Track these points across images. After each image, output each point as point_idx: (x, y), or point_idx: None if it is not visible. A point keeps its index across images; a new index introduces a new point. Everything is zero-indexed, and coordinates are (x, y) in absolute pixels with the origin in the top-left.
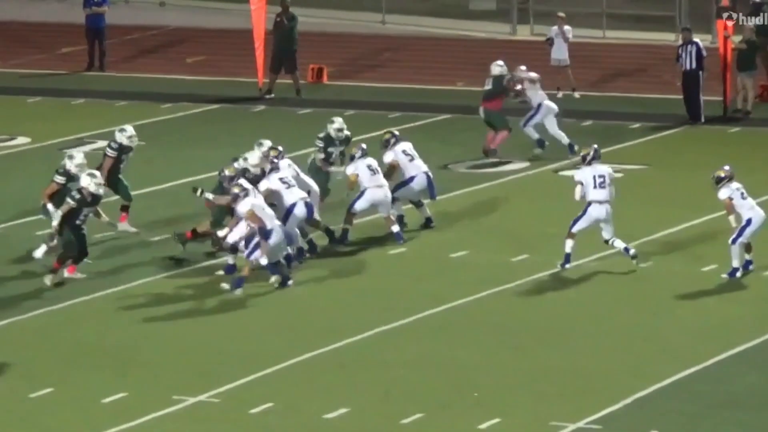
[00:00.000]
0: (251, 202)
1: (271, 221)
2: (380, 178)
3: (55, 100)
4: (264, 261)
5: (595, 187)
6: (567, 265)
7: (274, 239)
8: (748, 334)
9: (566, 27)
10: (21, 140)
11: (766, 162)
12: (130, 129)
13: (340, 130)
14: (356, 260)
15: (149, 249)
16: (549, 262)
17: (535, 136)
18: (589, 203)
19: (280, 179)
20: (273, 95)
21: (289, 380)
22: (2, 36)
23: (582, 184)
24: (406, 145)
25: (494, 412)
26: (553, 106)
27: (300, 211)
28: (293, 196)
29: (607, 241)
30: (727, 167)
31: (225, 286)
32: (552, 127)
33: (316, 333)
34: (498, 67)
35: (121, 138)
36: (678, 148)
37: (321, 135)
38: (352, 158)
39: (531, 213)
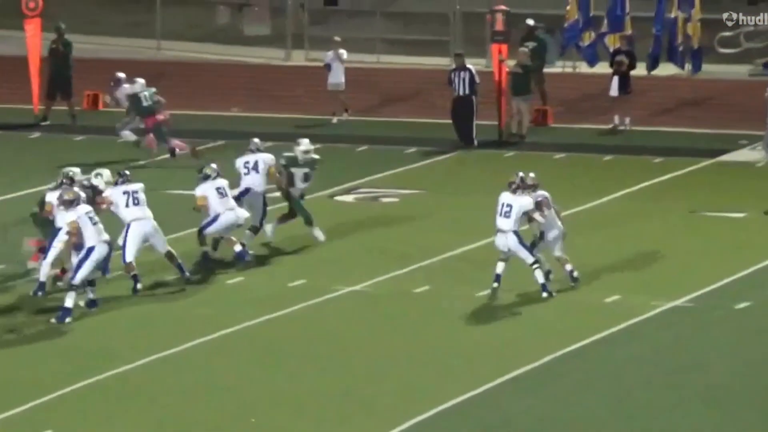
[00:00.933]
0: (78, 214)
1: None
2: (230, 200)
3: None
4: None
5: (500, 215)
6: (495, 284)
7: (96, 256)
8: (525, 357)
9: (341, 50)
10: None
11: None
12: None
13: (306, 152)
14: (131, 287)
15: None
16: (325, 287)
17: (133, 137)
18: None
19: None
20: (49, 122)
21: (67, 408)
22: None
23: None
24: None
25: None
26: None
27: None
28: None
29: (535, 265)
30: (532, 174)
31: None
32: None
33: (93, 360)
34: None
35: None
36: (453, 172)
37: (287, 154)
38: (206, 178)
39: (307, 238)
